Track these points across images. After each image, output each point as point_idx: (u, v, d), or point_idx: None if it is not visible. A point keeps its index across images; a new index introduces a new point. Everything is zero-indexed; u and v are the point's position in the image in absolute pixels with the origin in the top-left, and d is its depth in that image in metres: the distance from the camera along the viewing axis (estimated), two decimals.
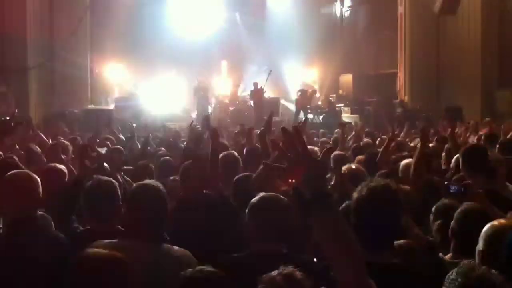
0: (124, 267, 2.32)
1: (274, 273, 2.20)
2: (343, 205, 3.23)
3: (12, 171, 3.46)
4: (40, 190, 3.31)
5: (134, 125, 11.90)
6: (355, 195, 2.53)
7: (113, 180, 3.72)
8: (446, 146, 6.41)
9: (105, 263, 2.29)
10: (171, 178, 5.07)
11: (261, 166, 4.33)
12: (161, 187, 3.03)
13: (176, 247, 2.93)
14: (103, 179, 3.73)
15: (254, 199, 3.07)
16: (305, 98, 19.51)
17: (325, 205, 1.69)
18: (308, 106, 19.50)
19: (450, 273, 2.05)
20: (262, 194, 3.10)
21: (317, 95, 21.32)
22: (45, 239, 3.06)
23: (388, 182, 2.57)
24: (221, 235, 3.66)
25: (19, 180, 3.29)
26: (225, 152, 5.16)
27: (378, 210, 2.44)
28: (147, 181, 3.15)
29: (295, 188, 1.73)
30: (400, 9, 19.30)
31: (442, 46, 18.41)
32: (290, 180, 1.75)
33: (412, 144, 7.95)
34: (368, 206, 2.45)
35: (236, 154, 5.26)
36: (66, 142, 7.32)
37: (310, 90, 20.27)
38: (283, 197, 3.07)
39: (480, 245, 2.56)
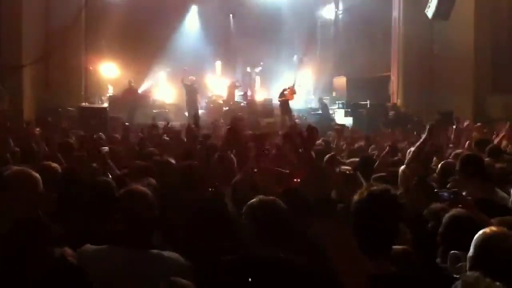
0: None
1: None
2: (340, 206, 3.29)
3: (13, 169, 3.46)
4: (41, 187, 3.33)
5: (127, 124, 11.89)
6: (355, 198, 2.55)
7: (111, 181, 3.74)
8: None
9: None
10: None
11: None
12: (149, 192, 3.00)
13: (166, 252, 2.90)
14: (100, 179, 3.76)
15: (252, 201, 3.08)
16: (285, 99, 19.53)
17: (328, 212, 1.73)
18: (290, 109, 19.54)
19: (454, 285, 2.11)
20: (260, 197, 3.13)
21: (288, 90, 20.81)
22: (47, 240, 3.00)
23: (388, 187, 2.63)
24: (218, 237, 3.70)
25: (19, 178, 3.28)
26: (220, 154, 5.23)
27: (378, 214, 2.47)
28: (134, 186, 3.12)
29: (297, 193, 1.77)
30: (394, 13, 19.43)
31: (435, 50, 18.54)
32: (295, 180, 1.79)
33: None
34: (368, 210, 2.48)
35: (231, 155, 5.32)
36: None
37: (286, 90, 20.04)
38: (279, 200, 3.09)
39: (471, 252, 2.62)
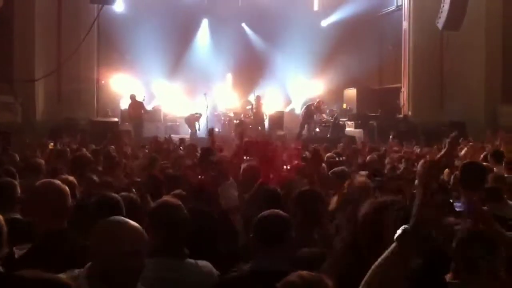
0: None
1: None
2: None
3: (42, 181, 3.50)
4: (70, 201, 3.37)
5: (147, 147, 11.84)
6: (363, 209, 2.57)
7: (116, 196, 3.77)
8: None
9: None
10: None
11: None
12: (182, 205, 3.10)
13: (199, 261, 2.99)
14: (108, 195, 3.79)
15: (258, 216, 3.11)
16: (310, 112, 19.57)
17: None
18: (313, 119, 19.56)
19: None
20: (265, 212, 3.15)
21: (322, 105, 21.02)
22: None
23: (395, 198, 2.63)
24: (221, 250, 3.72)
25: (50, 190, 3.31)
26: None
27: (385, 225, 2.45)
28: (168, 199, 3.24)
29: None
30: (404, 24, 19.44)
31: (445, 61, 18.51)
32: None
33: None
34: (376, 220, 2.50)
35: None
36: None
37: (315, 103, 20.22)
38: (283, 213, 3.12)
39: None
